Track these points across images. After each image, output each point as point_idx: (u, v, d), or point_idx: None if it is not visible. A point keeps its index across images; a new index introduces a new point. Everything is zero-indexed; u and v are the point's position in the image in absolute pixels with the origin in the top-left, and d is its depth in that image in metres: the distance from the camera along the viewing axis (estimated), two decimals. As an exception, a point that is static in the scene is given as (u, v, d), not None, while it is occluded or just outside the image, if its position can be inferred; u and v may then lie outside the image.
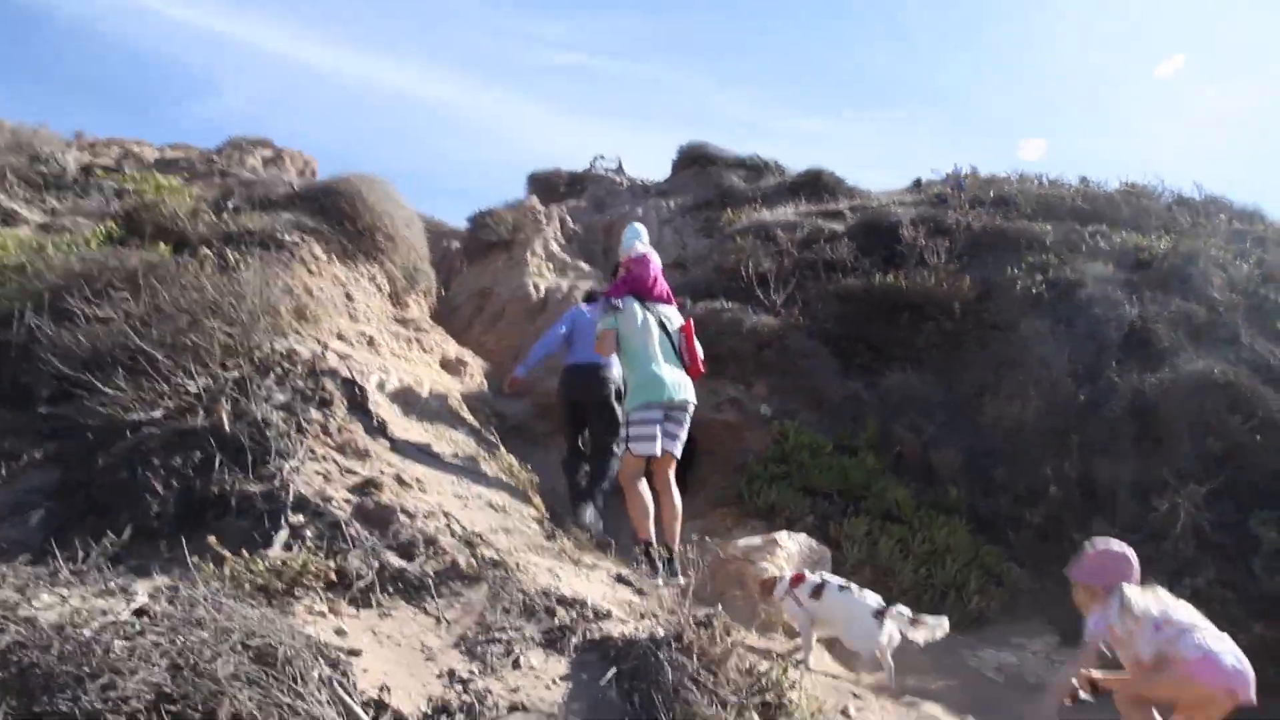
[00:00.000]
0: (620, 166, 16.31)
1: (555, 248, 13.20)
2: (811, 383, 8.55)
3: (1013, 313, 8.67)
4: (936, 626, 5.26)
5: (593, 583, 4.82)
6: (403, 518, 4.72)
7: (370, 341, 8.37)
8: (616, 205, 14.70)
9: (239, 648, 3.17)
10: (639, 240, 6.82)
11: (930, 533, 6.72)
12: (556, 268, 12.67)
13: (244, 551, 3.97)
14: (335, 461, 5.17)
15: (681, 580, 5.83)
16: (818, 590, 5.31)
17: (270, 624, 3.32)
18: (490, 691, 3.73)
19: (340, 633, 3.92)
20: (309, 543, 4.38)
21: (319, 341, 6.52)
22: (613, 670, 3.87)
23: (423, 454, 6.01)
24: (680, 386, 6.15)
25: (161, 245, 7.46)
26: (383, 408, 6.63)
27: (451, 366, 9.54)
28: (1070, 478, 6.77)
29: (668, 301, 6.59)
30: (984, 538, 6.89)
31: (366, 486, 4.96)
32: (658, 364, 6.14)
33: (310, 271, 8.31)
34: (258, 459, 4.86)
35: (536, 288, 12.02)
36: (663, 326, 6.35)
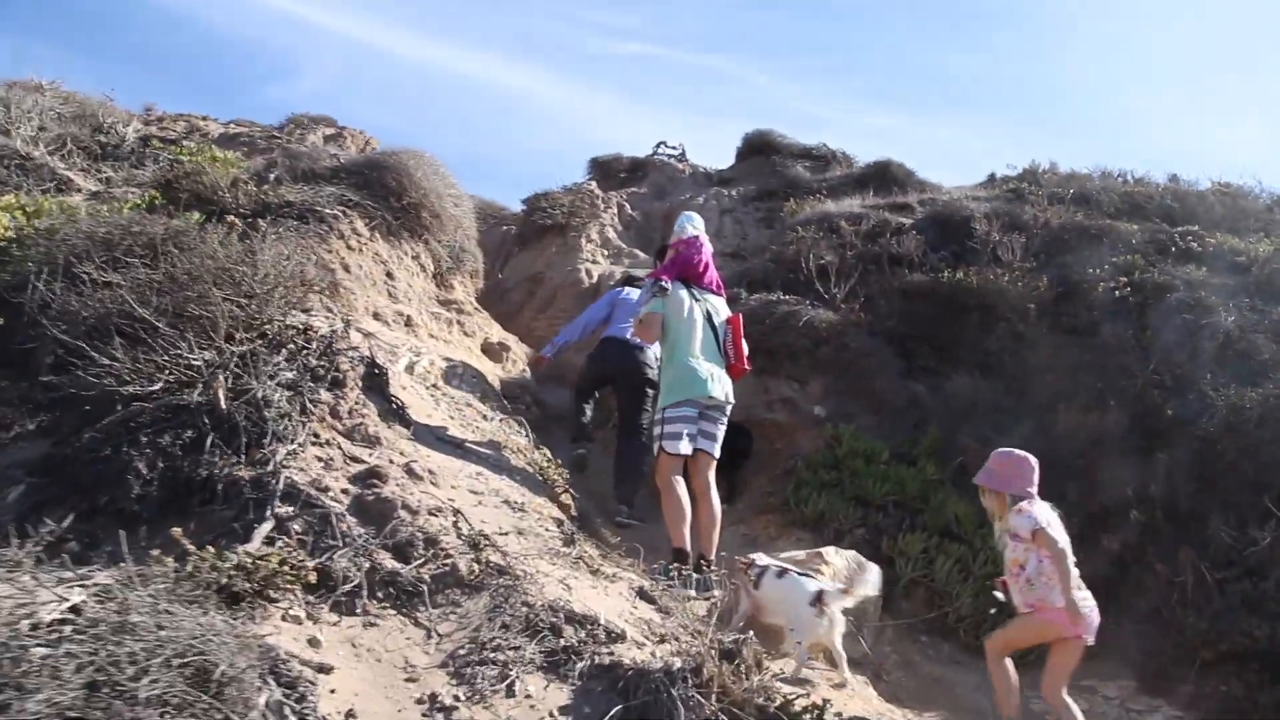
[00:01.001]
0: (683, 153, 15.71)
1: (611, 234, 12.67)
2: (870, 384, 7.87)
3: (1093, 316, 7.86)
4: (864, 582, 4.83)
5: (610, 596, 4.27)
6: (403, 514, 4.23)
7: (408, 322, 7.96)
8: (677, 192, 14.12)
9: (173, 663, 2.68)
10: (691, 224, 6.31)
11: (993, 553, 6.00)
12: (611, 254, 12.14)
13: (212, 546, 3.50)
14: (340, 447, 4.71)
15: (716, 594, 5.27)
16: (759, 578, 4.84)
17: (214, 635, 2.82)
18: (475, 723, 3.20)
19: (314, 643, 3.44)
20: (295, 537, 3.92)
21: (344, 319, 6.04)
22: (619, 707, 3.31)
23: (444, 443, 5.52)
24: (719, 384, 5.65)
25: (195, 214, 7.05)
26: (407, 391, 6.17)
27: (494, 351, 9.08)
28: (1154, 500, 5.99)
29: (717, 291, 6.08)
30: (1054, 560, 6.15)
31: (369, 477, 4.48)
32: (697, 358, 5.64)
33: (350, 247, 7.92)
34: (252, 441, 4.42)
35: (589, 274, 11.52)
36: (709, 318, 5.83)
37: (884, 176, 12.83)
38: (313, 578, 3.67)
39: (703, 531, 5.56)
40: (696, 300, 5.80)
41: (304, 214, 7.70)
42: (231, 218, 6.65)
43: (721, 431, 5.75)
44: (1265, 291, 7.79)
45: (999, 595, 4.72)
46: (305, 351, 5.29)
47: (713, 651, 3.50)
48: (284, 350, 5.22)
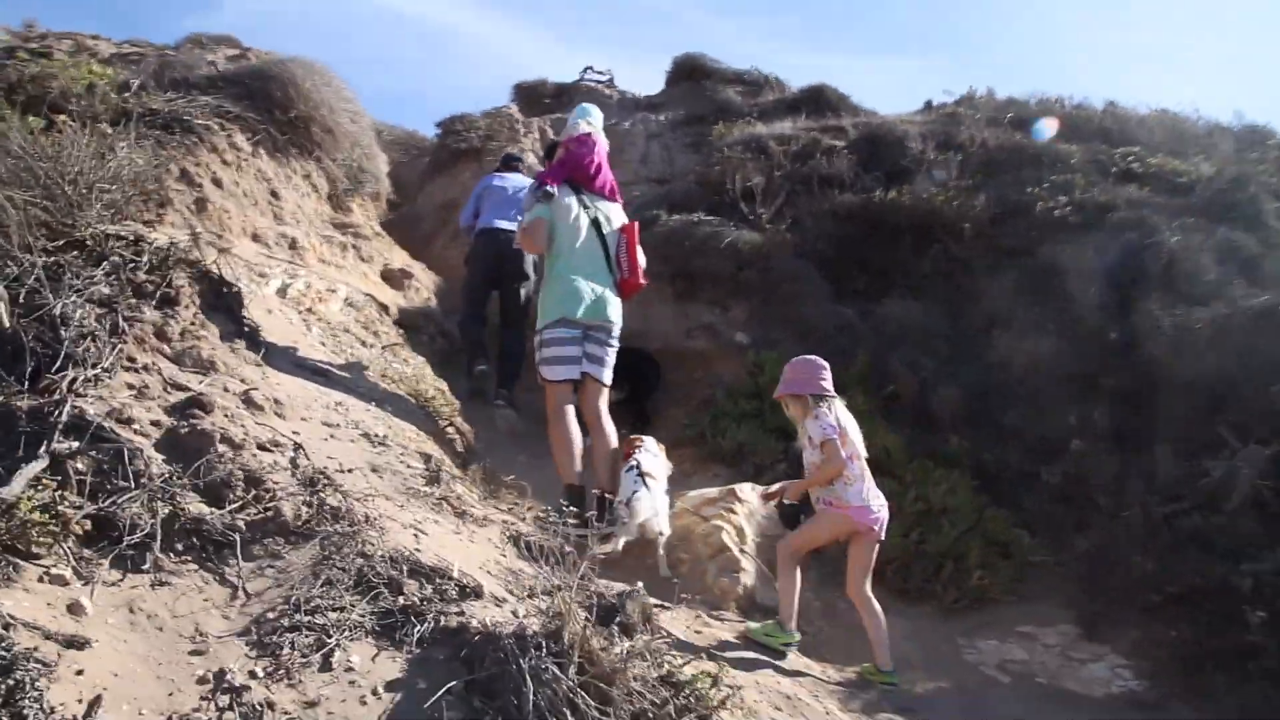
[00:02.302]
0: (611, 79, 14.74)
1: (532, 159, 11.71)
2: (797, 309, 7.19)
3: (1031, 237, 7.25)
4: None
5: (475, 544, 3.55)
6: (223, 448, 3.44)
7: (292, 244, 7.06)
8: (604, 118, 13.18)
9: None
10: (586, 119, 5.49)
11: (924, 489, 5.40)
12: (532, 179, 11.21)
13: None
14: (161, 373, 3.87)
15: (611, 540, 4.56)
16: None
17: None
18: (273, 707, 2.46)
19: (75, 610, 2.67)
20: (75, 479, 3.09)
21: (193, 233, 5.16)
22: (460, 681, 2.60)
23: (305, 370, 4.73)
24: (603, 303, 5.00)
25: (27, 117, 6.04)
26: (273, 315, 5.35)
27: (394, 278, 8.21)
28: (1098, 429, 5.42)
29: (610, 197, 5.31)
30: (989, 498, 5.56)
31: (190, 407, 3.65)
32: (581, 273, 4.97)
33: (225, 162, 6.98)
34: (43, 366, 3.55)
35: (506, 200, 10.60)
36: (597, 227, 5.09)
37: (818, 101, 12.04)
38: (86, 526, 2.88)
39: (598, 465, 4.89)
40: (585, 207, 5.10)
41: (169, 124, 6.73)
42: (63, 118, 5.66)
43: (610, 355, 5.07)
44: (1209, 211, 7.27)
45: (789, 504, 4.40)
46: (133, 265, 4.43)
47: (580, 610, 2.79)
48: (105, 264, 4.36)
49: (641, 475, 4.61)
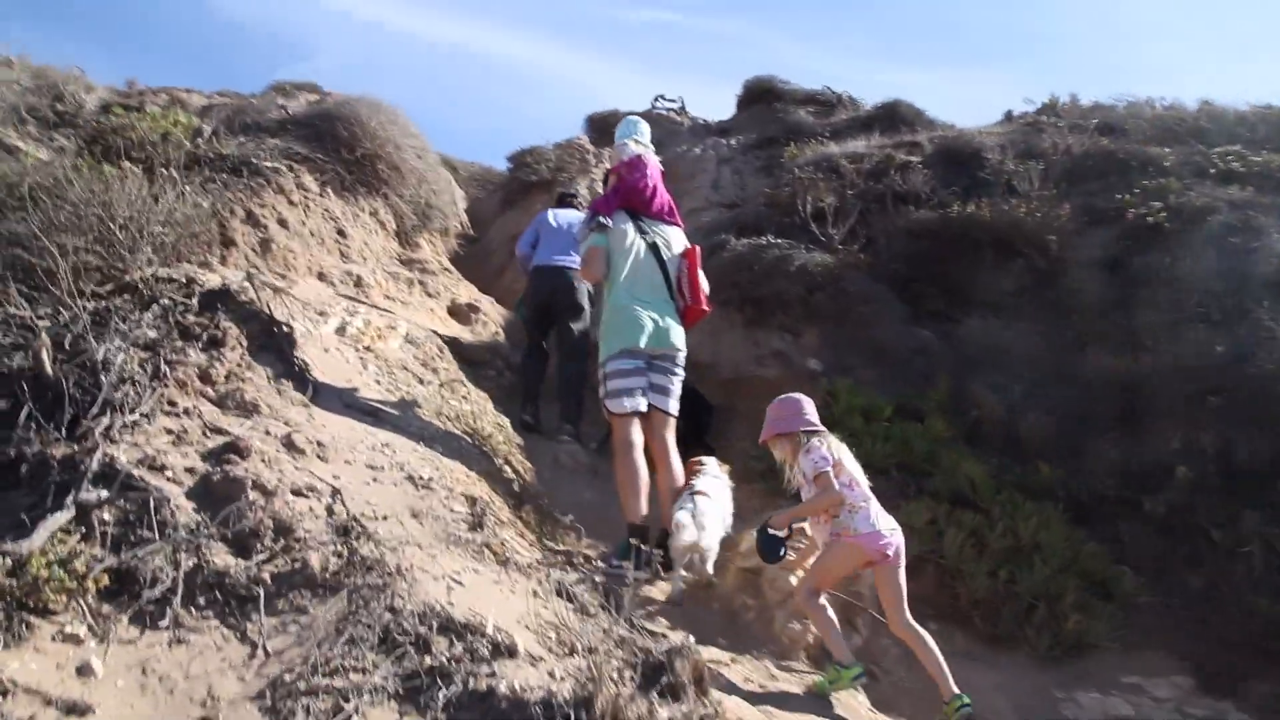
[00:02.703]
0: (682, 106, 14.60)
1: (602, 189, 11.60)
2: (871, 333, 6.81)
3: (1123, 246, 6.74)
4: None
5: (515, 595, 3.30)
6: (253, 495, 3.28)
7: (358, 281, 7.03)
8: (674, 145, 13.01)
9: None
10: (633, 138, 5.30)
11: (1013, 523, 4.95)
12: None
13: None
14: (201, 417, 3.76)
15: (680, 583, 4.29)
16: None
17: None
18: (279, 781, 2.26)
19: (84, 672, 2.51)
20: (100, 530, 2.97)
21: (248, 274, 5.11)
22: (484, 753, 2.36)
23: (356, 410, 4.58)
24: (666, 332, 4.77)
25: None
26: (329, 354, 5.25)
27: (461, 313, 8.13)
28: (1206, 453, 4.90)
29: (669, 218, 5.07)
30: (1086, 531, 5.07)
31: (226, 452, 3.52)
32: (641, 301, 4.76)
33: (291, 203, 7.01)
34: (81, 412, 3.48)
35: (576, 231, 10.48)
36: (656, 253, 4.86)
37: (892, 118, 11.65)
38: (104, 581, 2.75)
39: (664, 501, 4.62)
40: (644, 233, 4.89)
41: (237, 167, 6.80)
42: (126, 164, 5.71)
43: (676, 384, 4.84)
44: (1324, 211, 6.62)
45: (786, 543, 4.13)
46: (183, 308, 4.37)
47: (618, 672, 2.52)
48: (155, 306, 4.32)
49: (693, 495, 4.40)
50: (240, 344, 4.30)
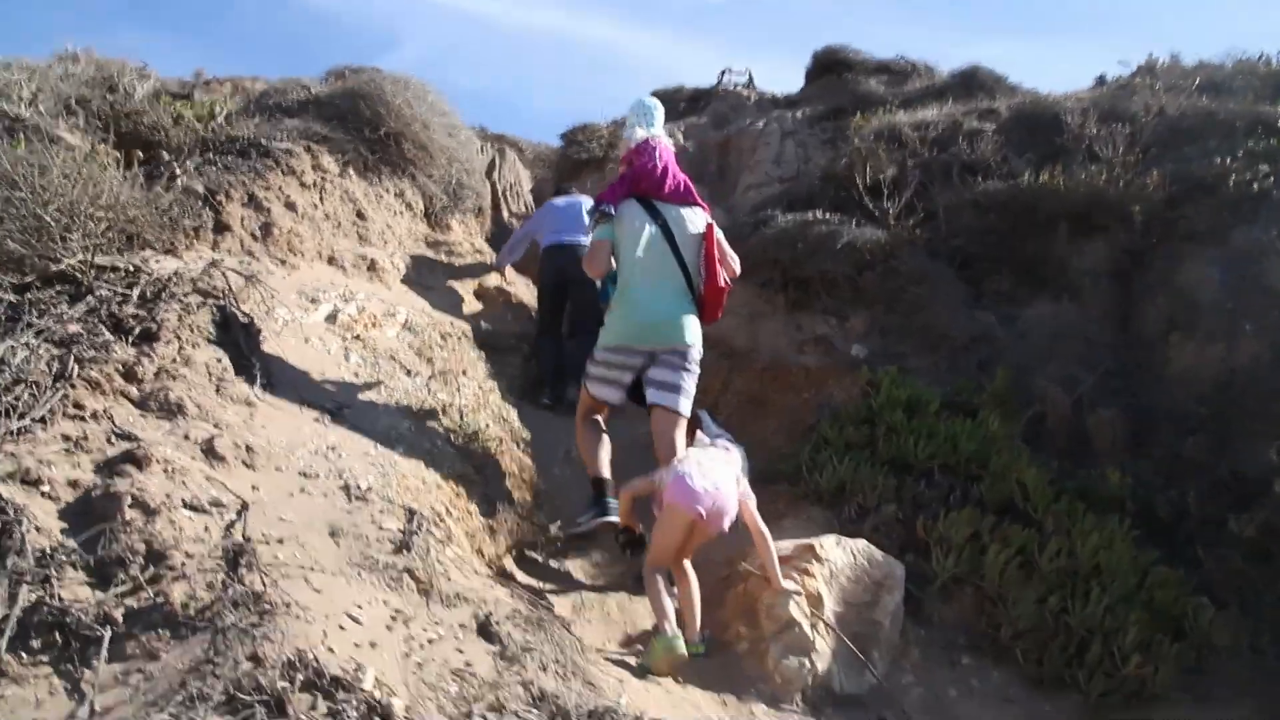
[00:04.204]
0: (750, 80, 13.76)
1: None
2: (925, 317, 6.02)
3: (1220, 219, 5.74)
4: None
5: (426, 634, 2.73)
6: (132, 514, 2.79)
7: (371, 265, 6.56)
8: (738, 120, 12.24)
9: None
10: (642, 124, 4.84)
11: (1071, 541, 4.15)
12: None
13: None
14: (111, 421, 3.30)
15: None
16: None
17: None
18: None
19: None
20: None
21: (212, 261, 4.68)
22: None
23: (315, 407, 4.09)
24: (674, 326, 4.37)
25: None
26: (310, 344, 4.80)
27: (489, 297, 7.62)
28: (1312, 465, 3.99)
29: (685, 200, 4.60)
30: (1159, 552, 4.22)
31: (123, 462, 3.04)
32: (647, 293, 4.40)
33: (304, 185, 6.56)
34: (-40, 419, 3.06)
35: (625, 210, 9.87)
36: (669, 237, 4.45)
37: (969, 85, 10.61)
38: (-85, 623, 2.29)
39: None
40: (655, 218, 4.48)
41: (246, 150, 6.42)
42: (102, 147, 5.39)
43: (686, 379, 4.37)
44: None
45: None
46: (120, 299, 3.95)
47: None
48: (89, 298, 3.90)
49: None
50: (178, 337, 3.84)
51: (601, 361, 4.46)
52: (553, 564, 4.33)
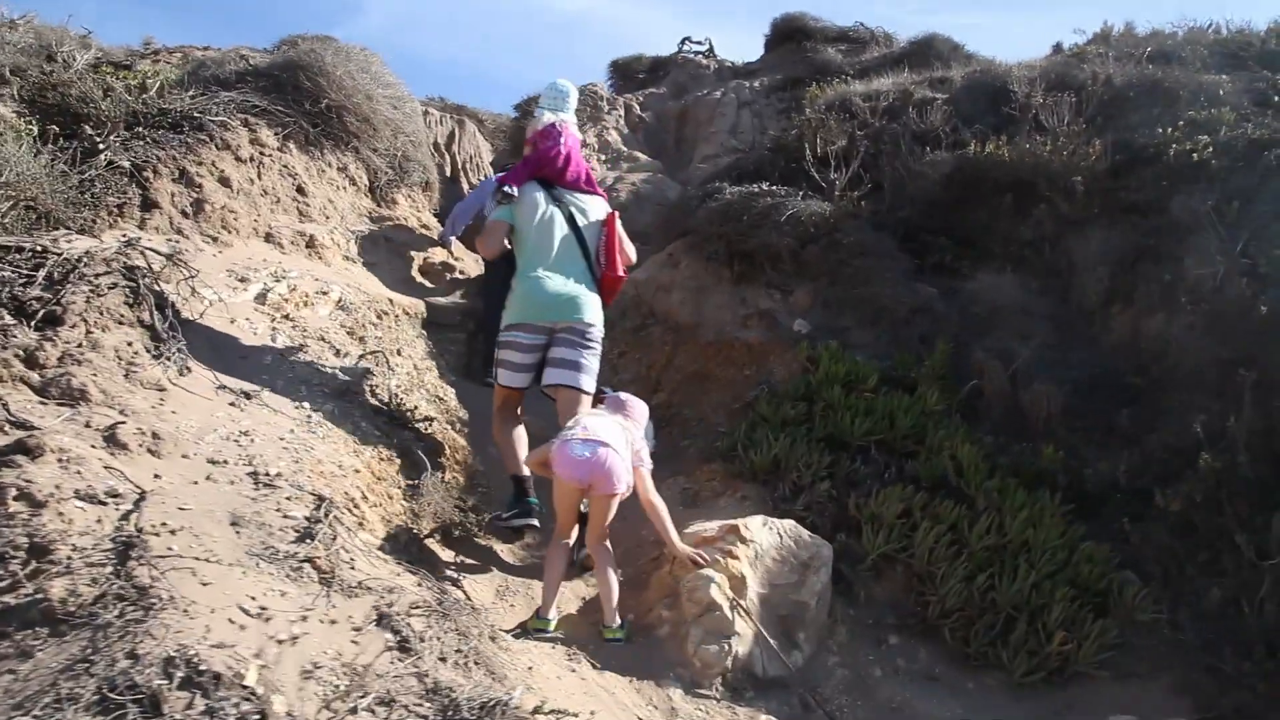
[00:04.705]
0: (710, 49, 13.59)
1: (614, 137, 10.84)
2: (868, 290, 5.94)
3: (1161, 188, 5.70)
4: None
5: (326, 625, 2.64)
6: (16, 506, 2.68)
7: (309, 242, 6.40)
8: (696, 89, 12.09)
9: None
10: (553, 106, 5.02)
11: (1002, 517, 4.12)
12: (609, 158, 10.33)
13: None
14: (6, 408, 3.17)
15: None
16: None
17: None
18: None
19: None
20: None
21: (127, 239, 4.52)
22: None
23: (232, 391, 3.95)
24: (574, 304, 4.44)
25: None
26: (236, 324, 4.66)
27: (434, 273, 7.49)
28: (1237, 440, 3.95)
29: (587, 188, 4.77)
30: (1088, 527, 4.20)
31: (12, 453, 2.92)
32: (547, 273, 4.46)
33: (239, 159, 6.35)
34: None
35: (578, 182, 9.71)
36: (572, 222, 4.60)
37: (926, 54, 10.51)
38: None
39: None
40: (557, 203, 4.62)
41: (178, 124, 6.19)
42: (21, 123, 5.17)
43: (588, 357, 4.41)
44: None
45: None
46: (24, 282, 3.79)
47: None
48: (-9, 280, 3.74)
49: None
50: (85, 321, 3.70)
51: (505, 344, 4.44)
52: (480, 545, 4.24)
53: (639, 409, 4.12)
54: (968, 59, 10.29)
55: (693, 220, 6.92)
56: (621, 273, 4.59)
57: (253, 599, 2.63)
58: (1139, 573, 3.93)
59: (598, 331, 4.44)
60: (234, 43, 10.02)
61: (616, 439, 3.72)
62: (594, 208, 4.68)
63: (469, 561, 4.07)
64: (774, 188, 6.78)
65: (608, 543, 3.77)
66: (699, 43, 13.62)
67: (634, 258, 4.85)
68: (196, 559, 2.72)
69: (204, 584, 2.61)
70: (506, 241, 4.59)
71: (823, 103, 8.79)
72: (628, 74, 13.43)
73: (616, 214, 4.74)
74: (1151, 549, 3.96)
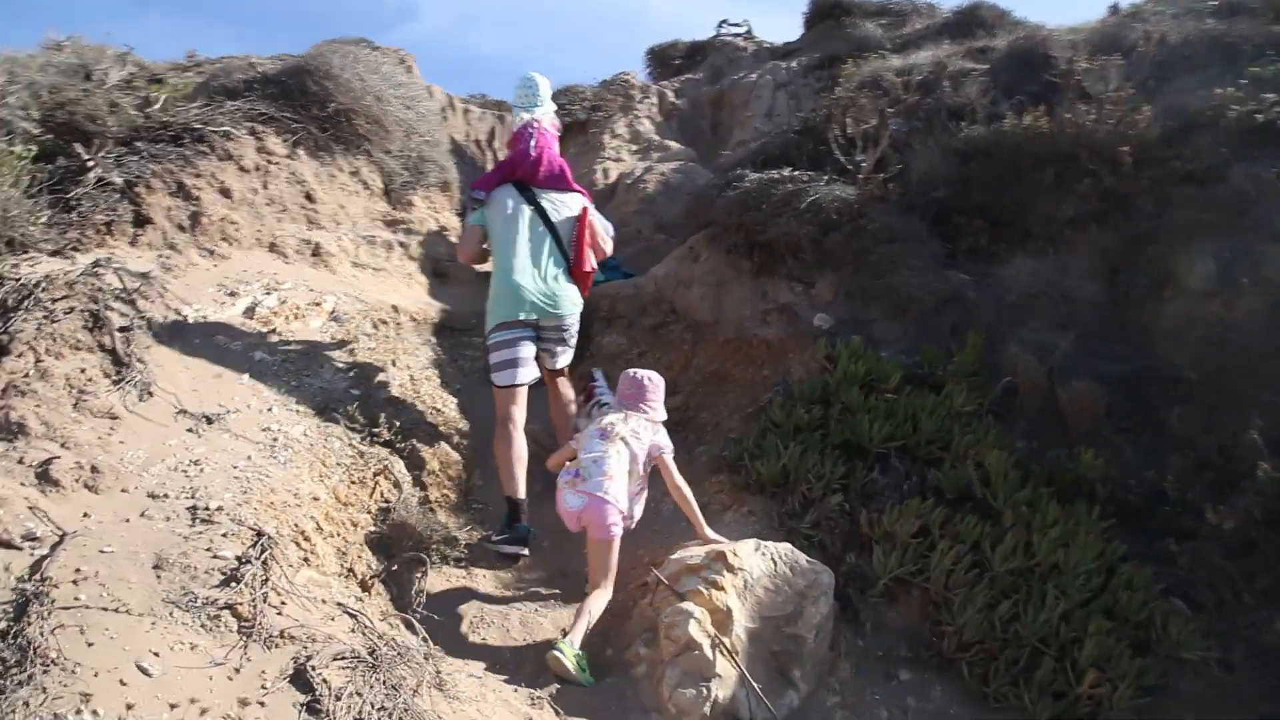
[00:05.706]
0: (749, 31, 13.05)
1: (646, 125, 10.43)
2: (894, 279, 5.45)
3: (1220, 155, 5.09)
4: None
5: (233, 680, 2.39)
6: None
7: (315, 250, 6.19)
8: (733, 73, 11.58)
9: None
10: (524, 107, 5.04)
11: (1030, 534, 3.64)
12: (640, 149, 9.93)
13: None
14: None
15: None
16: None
17: None
18: None
19: None
20: None
21: (95, 261, 4.32)
22: None
23: (193, 416, 3.72)
24: (553, 300, 4.57)
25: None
26: (210, 343, 4.42)
27: (451, 273, 7.17)
28: (1302, 442, 3.41)
29: (560, 184, 4.81)
30: (1129, 546, 3.67)
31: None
32: (521, 271, 4.55)
33: (243, 169, 6.18)
34: None
35: (606, 173, 9.40)
36: (545, 219, 4.67)
37: (970, 23, 9.83)
38: None
39: (561, 428, 4.82)
40: (529, 202, 4.68)
41: (179, 136, 6.05)
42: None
43: (563, 350, 4.74)
44: None
45: None
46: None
47: None
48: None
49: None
50: (34, 349, 3.50)
51: (496, 346, 4.51)
52: (458, 570, 3.94)
53: (654, 390, 4.09)
54: (1014, 26, 9.58)
55: (712, 211, 6.50)
56: (588, 268, 4.71)
57: (155, 654, 2.38)
58: (1187, 601, 3.42)
59: (573, 320, 4.66)
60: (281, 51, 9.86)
61: (616, 469, 3.69)
62: (568, 204, 4.76)
63: (444, 589, 3.77)
64: (795, 173, 6.31)
65: (607, 585, 3.60)
66: (737, 24, 13.10)
67: (609, 250, 4.95)
68: (104, 609, 2.49)
69: (105, 639, 2.36)
70: (486, 245, 4.73)
71: (857, 80, 8.25)
72: (664, 61, 12.99)
73: (589, 209, 4.81)
74: (1202, 573, 3.43)
